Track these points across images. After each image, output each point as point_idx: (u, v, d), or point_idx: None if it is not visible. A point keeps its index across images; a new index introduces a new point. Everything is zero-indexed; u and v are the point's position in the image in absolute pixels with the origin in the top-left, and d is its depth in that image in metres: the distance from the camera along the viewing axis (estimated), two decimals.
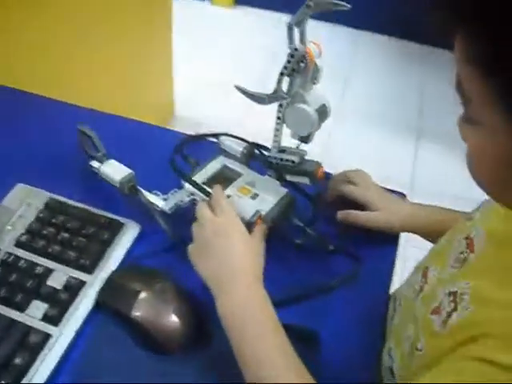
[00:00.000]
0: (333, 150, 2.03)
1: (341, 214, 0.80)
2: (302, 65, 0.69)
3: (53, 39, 1.31)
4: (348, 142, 2.12)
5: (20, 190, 0.81)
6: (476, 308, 0.51)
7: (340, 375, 0.65)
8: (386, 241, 0.80)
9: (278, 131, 0.77)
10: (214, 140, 0.87)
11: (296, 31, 0.67)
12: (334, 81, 2.35)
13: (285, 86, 0.72)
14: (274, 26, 2.63)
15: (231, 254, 0.65)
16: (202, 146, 0.89)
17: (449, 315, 0.53)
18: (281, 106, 0.74)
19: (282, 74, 0.70)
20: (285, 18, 0.64)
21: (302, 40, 0.68)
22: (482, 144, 0.46)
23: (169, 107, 2.13)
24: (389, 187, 0.86)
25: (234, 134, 0.84)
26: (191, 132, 0.90)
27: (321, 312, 0.70)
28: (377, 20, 2.51)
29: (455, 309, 0.53)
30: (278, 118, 0.75)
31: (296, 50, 0.67)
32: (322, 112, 0.73)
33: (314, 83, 0.72)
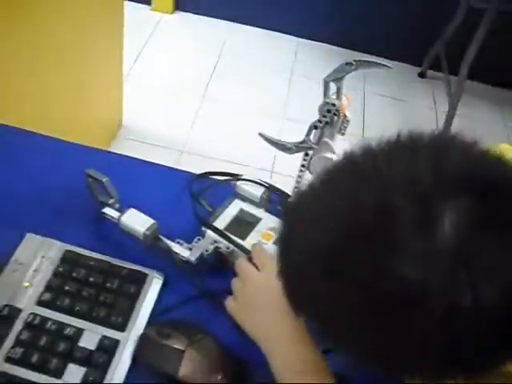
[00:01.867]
0: None
1: None
2: (335, 118, 0.70)
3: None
4: None
5: (31, 241, 0.77)
6: None
7: None
8: None
9: (300, 178, 0.78)
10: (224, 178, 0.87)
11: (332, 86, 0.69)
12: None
13: None
14: (215, 31, 2.62)
15: (280, 312, 0.65)
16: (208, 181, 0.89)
17: None
18: (307, 154, 0.75)
19: (315, 127, 0.71)
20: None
21: (339, 96, 0.69)
22: None
23: (117, 116, 2.06)
24: None
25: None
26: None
27: None
28: (318, 28, 2.56)
29: None
30: (303, 165, 0.76)
31: (334, 105, 0.69)
32: None
33: (342, 134, 0.74)
